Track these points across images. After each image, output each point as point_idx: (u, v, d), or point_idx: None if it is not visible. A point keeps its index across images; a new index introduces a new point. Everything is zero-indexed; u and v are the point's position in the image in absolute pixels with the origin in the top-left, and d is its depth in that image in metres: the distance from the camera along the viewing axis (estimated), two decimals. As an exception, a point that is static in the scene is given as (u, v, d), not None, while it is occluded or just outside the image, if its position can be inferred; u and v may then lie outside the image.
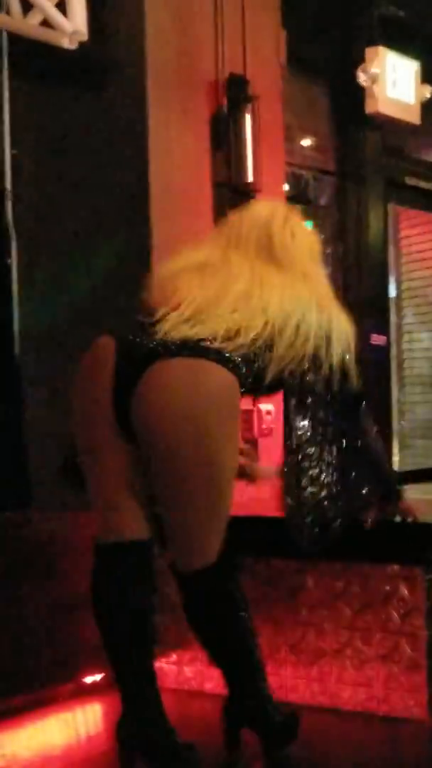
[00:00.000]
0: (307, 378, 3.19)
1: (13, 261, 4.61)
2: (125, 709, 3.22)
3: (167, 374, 3.00)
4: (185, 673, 4.07)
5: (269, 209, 3.42)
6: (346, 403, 3.30)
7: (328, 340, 3.17)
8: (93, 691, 4.03)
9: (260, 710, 3.30)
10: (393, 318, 8.00)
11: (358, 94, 6.74)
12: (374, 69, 6.69)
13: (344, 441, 3.31)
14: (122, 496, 3.15)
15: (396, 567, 3.67)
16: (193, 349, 3.01)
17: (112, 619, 3.18)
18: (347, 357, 3.24)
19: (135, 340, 3.09)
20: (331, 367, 3.20)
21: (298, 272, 3.27)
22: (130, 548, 3.16)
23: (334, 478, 3.28)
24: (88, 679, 4.07)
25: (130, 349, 3.08)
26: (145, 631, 3.20)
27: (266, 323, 3.08)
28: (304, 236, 3.42)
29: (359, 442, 3.35)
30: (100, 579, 3.21)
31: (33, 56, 4.45)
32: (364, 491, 3.37)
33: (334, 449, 3.29)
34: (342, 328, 3.24)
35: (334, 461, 3.28)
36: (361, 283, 7.05)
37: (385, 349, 7.22)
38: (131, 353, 3.07)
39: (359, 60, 6.74)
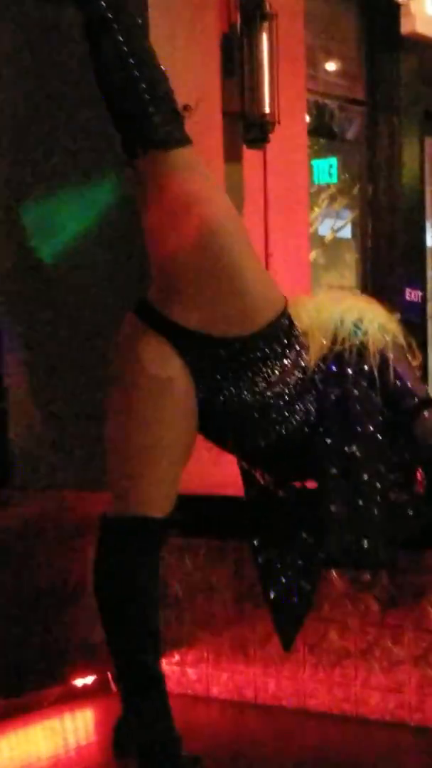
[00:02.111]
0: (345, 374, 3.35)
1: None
2: (125, 709, 3.25)
3: None
4: (189, 675, 4.10)
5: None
6: (397, 408, 3.38)
7: (356, 327, 3.38)
8: (84, 695, 4.06)
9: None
10: (430, 271, 8.00)
11: (392, 11, 6.71)
12: (411, -18, 6.69)
13: (394, 456, 3.39)
14: (144, 465, 3.21)
15: (432, 556, 3.68)
16: None
17: (114, 601, 3.23)
18: (385, 345, 3.37)
19: None
20: (362, 354, 3.35)
21: None
22: (141, 524, 3.21)
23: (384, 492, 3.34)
24: (79, 682, 4.10)
25: None
26: (151, 617, 3.25)
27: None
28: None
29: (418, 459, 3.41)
30: (103, 555, 3.26)
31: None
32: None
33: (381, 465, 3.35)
34: (374, 315, 3.43)
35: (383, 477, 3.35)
36: (393, 229, 7.05)
37: (420, 306, 7.22)
38: None
39: (393, -29, 6.72)
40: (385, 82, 6.89)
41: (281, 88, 4.90)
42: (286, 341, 3.25)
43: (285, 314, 3.26)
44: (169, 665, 4.04)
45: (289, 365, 3.25)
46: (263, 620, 3.90)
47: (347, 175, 7.31)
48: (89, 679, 4.09)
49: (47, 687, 4.00)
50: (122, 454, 3.24)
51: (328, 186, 7.34)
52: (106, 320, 4.53)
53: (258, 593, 3.89)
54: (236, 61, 4.84)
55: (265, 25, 4.88)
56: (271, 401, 3.26)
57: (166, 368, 3.21)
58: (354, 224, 7.23)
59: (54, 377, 4.69)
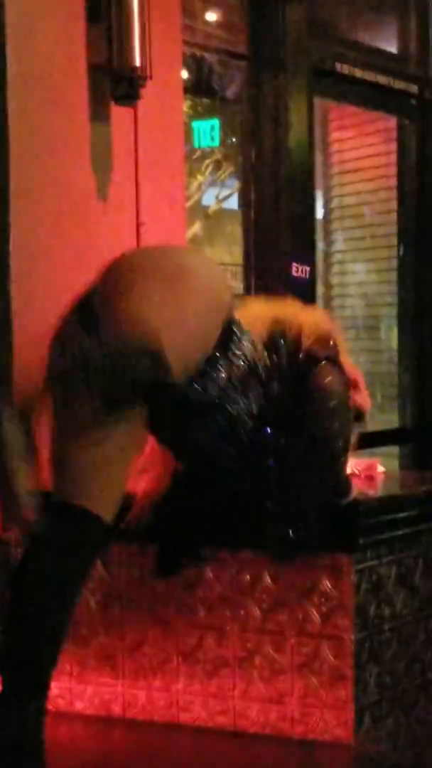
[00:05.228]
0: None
1: None
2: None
3: None
4: (50, 689, 4.04)
5: None
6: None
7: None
8: None
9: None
10: (320, 244, 8.03)
11: None
12: None
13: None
14: (94, 464, 3.42)
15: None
16: None
17: (35, 589, 3.39)
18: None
19: None
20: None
21: None
22: (88, 518, 3.40)
23: None
24: None
25: None
26: (65, 621, 3.44)
27: None
28: None
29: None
30: (41, 536, 3.44)
31: None
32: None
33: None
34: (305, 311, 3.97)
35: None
36: (279, 199, 7.04)
37: (308, 283, 7.23)
38: None
39: None
40: (269, 34, 6.87)
41: (154, 38, 4.90)
42: (236, 343, 3.58)
43: (231, 319, 3.59)
44: (27, 679, 4.09)
45: (241, 361, 3.58)
46: (132, 627, 3.99)
47: (234, 140, 7.28)
48: None
49: None
50: (68, 452, 3.45)
51: (213, 151, 7.32)
52: None
53: (127, 598, 3.97)
54: (103, 7, 4.83)
55: (137, -34, 4.87)
56: (227, 392, 3.55)
57: None
58: (240, 193, 7.21)
59: None
